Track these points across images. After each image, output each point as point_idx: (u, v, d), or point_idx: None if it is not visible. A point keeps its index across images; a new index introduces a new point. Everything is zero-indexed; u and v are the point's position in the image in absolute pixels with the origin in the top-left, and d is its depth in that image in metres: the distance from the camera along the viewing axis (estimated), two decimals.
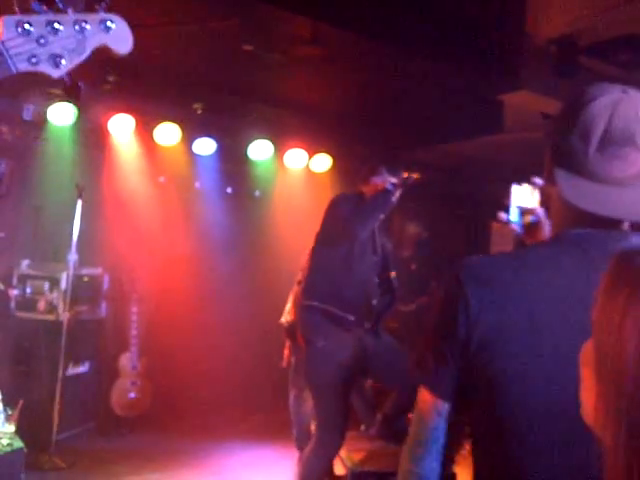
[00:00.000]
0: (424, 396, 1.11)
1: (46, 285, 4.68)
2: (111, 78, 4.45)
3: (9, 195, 4.76)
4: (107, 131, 4.96)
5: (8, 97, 4.61)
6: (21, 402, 3.30)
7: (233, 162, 5.77)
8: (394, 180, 3.12)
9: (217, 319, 5.13)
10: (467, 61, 3.97)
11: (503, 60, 3.99)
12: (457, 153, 5.84)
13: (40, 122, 4.65)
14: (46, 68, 1.07)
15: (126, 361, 4.99)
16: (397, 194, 3.12)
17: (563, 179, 1.01)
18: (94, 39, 1.12)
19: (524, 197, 1.36)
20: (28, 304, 4.66)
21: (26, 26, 1.05)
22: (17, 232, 4.77)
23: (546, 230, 1.30)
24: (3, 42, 1.04)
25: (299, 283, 4.36)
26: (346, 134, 5.60)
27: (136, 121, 4.97)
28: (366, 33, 3.67)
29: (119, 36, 1.15)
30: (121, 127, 4.96)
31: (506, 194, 1.39)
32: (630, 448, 0.61)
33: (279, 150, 5.72)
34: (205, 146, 5.40)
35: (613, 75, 4.62)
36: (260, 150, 5.60)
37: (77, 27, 1.10)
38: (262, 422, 5.20)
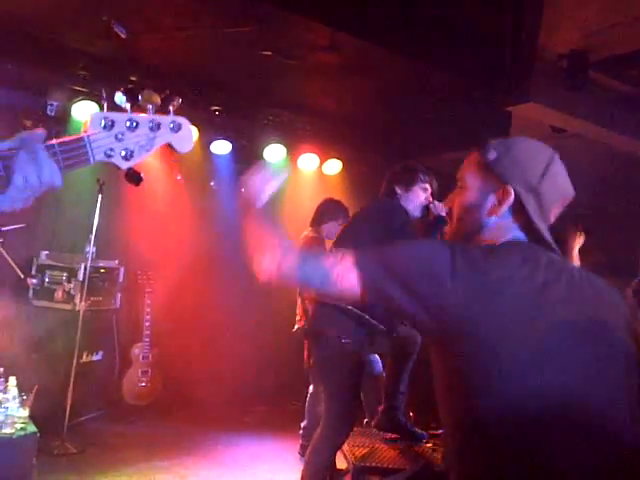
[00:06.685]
0: (351, 281, 1.29)
1: (64, 275, 4.71)
2: (133, 78, 4.42)
3: None
4: None
5: (32, 93, 4.65)
6: (36, 388, 3.34)
7: (248, 163, 5.83)
8: (441, 206, 3.04)
9: (226, 314, 5.17)
10: (479, 72, 3.99)
11: (514, 72, 3.97)
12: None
13: (64, 118, 4.67)
14: (118, 161, 1.16)
15: (138, 351, 5.05)
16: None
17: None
18: (162, 138, 1.19)
19: None
20: (46, 293, 4.70)
21: (110, 123, 1.14)
22: (37, 223, 4.77)
23: None
24: (89, 136, 1.12)
25: (300, 294, 4.42)
26: (357, 140, 5.64)
27: None
28: (382, 42, 3.70)
29: (184, 137, 1.22)
30: None
31: None
32: None
33: (292, 153, 5.77)
34: (221, 147, 5.43)
35: (622, 90, 4.66)
36: (274, 152, 5.65)
37: (151, 126, 1.18)
38: (266, 414, 5.24)
